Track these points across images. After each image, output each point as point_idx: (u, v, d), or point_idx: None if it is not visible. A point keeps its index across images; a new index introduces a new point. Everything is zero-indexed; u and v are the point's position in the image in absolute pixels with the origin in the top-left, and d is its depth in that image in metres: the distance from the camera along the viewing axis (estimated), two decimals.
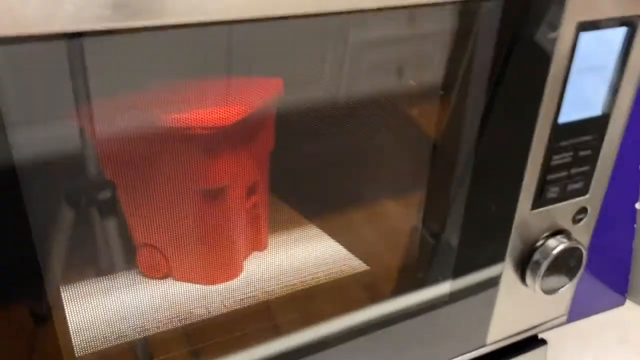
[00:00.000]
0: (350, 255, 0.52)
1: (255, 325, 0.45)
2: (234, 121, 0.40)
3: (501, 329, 0.56)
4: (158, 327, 0.43)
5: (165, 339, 0.43)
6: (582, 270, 0.53)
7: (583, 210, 0.52)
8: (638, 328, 0.78)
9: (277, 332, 0.46)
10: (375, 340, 0.49)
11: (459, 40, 0.41)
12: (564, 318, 0.60)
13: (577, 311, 0.79)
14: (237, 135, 0.42)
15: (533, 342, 0.61)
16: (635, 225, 0.78)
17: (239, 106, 0.40)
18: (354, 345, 0.48)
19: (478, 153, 0.44)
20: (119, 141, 0.36)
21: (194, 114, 0.39)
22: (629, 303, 0.82)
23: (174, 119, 0.39)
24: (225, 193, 0.45)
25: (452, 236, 0.48)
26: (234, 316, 0.45)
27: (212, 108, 0.39)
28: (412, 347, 0.52)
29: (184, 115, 0.39)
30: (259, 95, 0.41)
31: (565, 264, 0.52)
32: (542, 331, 0.60)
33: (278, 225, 0.48)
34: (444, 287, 0.51)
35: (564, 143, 0.47)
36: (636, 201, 0.77)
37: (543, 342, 0.62)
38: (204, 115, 0.39)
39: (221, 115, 0.39)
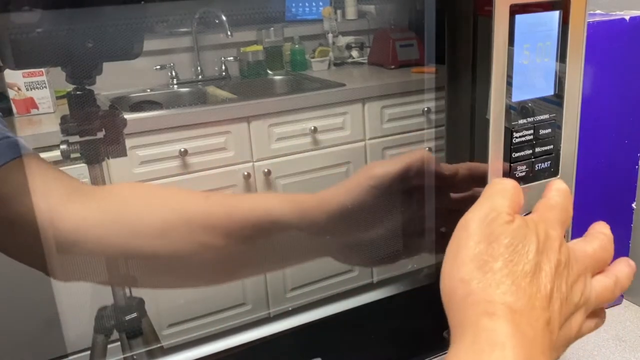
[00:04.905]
0: None
1: None
2: None
3: None
4: None
5: None
6: None
7: None
8: (634, 327, 0.78)
9: None
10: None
11: None
12: None
13: None
14: None
15: None
16: (632, 225, 0.79)
17: None
18: None
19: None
20: None
21: None
22: (625, 302, 0.83)
23: None
24: None
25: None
26: None
27: None
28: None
29: None
30: None
31: None
32: None
33: None
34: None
35: (522, 121, 0.50)
36: (633, 201, 0.78)
37: None
38: None
39: None
